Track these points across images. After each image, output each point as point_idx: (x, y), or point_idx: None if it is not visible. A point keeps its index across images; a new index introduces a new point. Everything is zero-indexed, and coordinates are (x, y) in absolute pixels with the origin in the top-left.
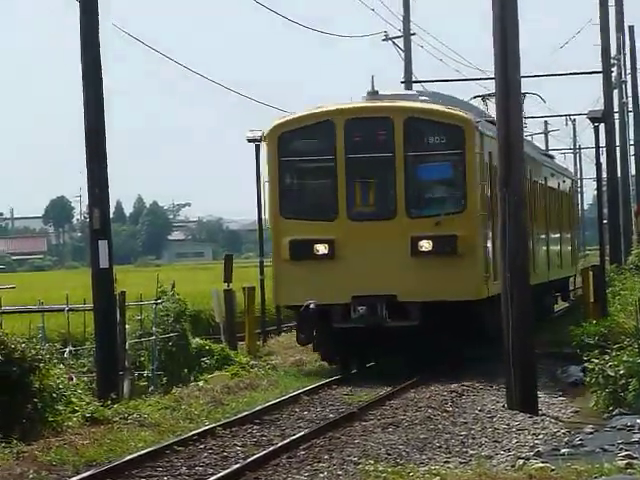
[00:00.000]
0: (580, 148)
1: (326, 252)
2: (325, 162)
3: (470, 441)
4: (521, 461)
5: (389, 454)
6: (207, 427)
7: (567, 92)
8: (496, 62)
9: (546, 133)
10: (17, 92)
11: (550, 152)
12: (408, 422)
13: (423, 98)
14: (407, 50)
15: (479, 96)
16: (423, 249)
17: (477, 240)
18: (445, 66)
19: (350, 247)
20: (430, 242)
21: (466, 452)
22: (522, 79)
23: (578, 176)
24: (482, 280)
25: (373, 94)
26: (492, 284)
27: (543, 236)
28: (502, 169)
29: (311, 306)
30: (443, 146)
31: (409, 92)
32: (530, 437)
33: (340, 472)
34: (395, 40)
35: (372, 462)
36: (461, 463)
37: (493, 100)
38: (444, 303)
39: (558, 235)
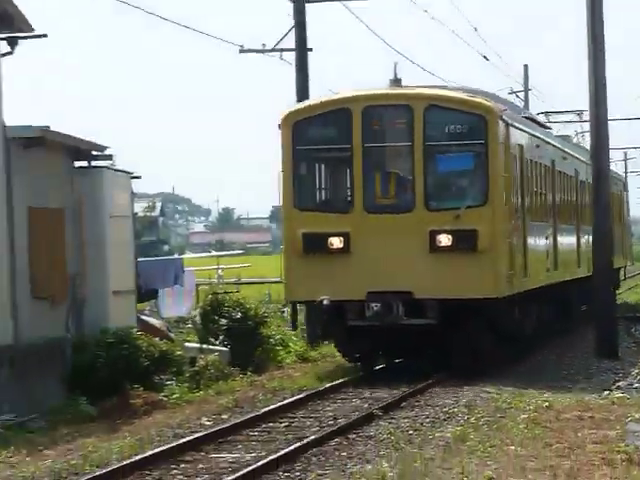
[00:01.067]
0: None
1: (341, 246)
2: (341, 151)
3: (570, 378)
4: (606, 392)
5: (512, 385)
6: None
7: None
8: (590, 108)
9: (625, 160)
10: (248, 114)
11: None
12: (528, 363)
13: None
14: (526, 101)
15: (542, 113)
16: (442, 244)
17: (499, 235)
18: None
19: (366, 241)
20: (449, 237)
21: (566, 386)
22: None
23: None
24: (504, 278)
25: (395, 82)
26: (520, 281)
27: None
28: (594, 182)
29: (325, 302)
30: (465, 136)
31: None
32: (612, 375)
33: (476, 398)
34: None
35: (500, 391)
36: (563, 393)
37: (552, 116)
38: (463, 301)
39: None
